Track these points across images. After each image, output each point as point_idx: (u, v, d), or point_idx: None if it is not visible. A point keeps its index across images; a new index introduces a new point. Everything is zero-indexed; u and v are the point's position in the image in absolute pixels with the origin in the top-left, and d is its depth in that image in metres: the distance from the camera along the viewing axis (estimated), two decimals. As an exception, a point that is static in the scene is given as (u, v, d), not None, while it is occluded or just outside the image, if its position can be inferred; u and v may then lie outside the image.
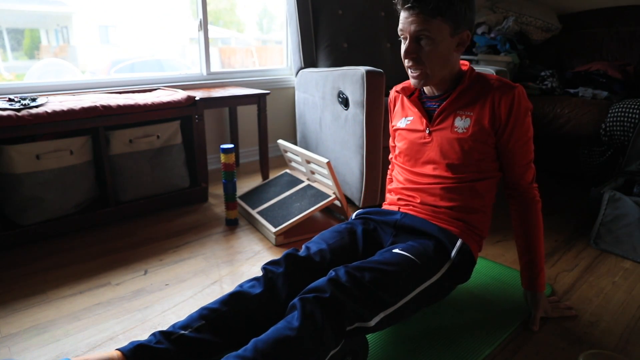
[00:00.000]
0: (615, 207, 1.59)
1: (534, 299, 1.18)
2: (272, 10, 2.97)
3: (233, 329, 0.94)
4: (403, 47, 1.08)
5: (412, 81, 1.12)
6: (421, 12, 1.00)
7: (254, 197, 1.94)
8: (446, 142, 1.12)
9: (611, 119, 2.01)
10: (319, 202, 1.70)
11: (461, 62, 1.15)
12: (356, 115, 1.78)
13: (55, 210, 1.67)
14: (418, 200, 1.18)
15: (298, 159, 1.92)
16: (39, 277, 1.42)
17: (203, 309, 0.95)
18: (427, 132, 1.15)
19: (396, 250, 1.04)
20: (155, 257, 1.56)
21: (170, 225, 1.82)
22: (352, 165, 1.87)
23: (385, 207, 1.27)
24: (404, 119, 1.23)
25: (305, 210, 1.68)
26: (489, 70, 1.86)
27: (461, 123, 1.10)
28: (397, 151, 1.26)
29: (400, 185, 1.23)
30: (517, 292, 1.33)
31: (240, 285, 1.01)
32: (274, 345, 0.80)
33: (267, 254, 1.59)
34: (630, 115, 1.95)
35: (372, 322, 0.92)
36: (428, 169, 1.16)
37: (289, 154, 1.99)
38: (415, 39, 1.04)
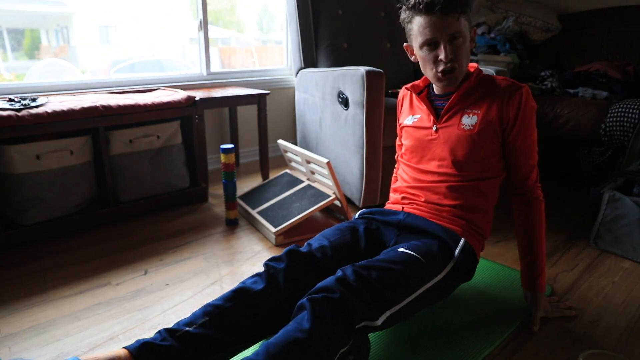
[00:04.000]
0: (615, 207, 1.60)
1: (534, 299, 1.18)
2: (272, 10, 2.97)
3: (237, 325, 0.94)
4: (433, 53, 1.08)
5: (443, 83, 1.12)
6: (453, 12, 1.02)
7: (254, 197, 1.94)
8: (453, 138, 1.13)
9: (611, 119, 2.01)
10: (319, 202, 1.70)
11: (470, 64, 1.17)
12: (356, 115, 1.78)
13: (56, 210, 1.67)
14: (422, 199, 1.18)
15: (298, 159, 1.93)
16: (39, 277, 1.42)
17: (207, 305, 0.95)
18: (434, 129, 1.17)
19: (401, 249, 1.05)
20: (155, 257, 1.56)
21: (170, 225, 1.82)
22: (352, 165, 1.87)
23: (388, 206, 1.28)
24: (411, 117, 1.25)
25: (305, 210, 1.68)
26: (488, 70, 1.86)
27: (468, 120, 1.11)
28: (403, 149, 1.27)
29: (405, 184, 1.24)
30: (517, 292, 1.33)
31: (243, 282, 1.02)
32: (286, 348, 0.80)
33: (267, 254, 1.59)
34: (630, 115, 1.95)
35: (379, 321, 0.93)
36: (433, 166, 1.17)
37: (289, 154, 1.99)
38: (449, 40, 1.05)
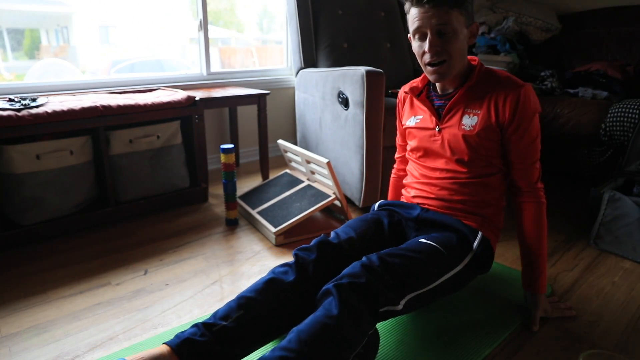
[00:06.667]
0: (615, 207, 1.60)
1: (534, 299, 1.18)
2: (272, 10, 2.97)
3: (270, 317, 0.96)
4: (422, 44, 1.08)
5: (433, 77, 1.12)
6: (443, 4, 1.01)
7: (254, 197, 1.94)
8: (454, 139, 1.14)
9: (611, 119, 2.01)
10: (319, 202, 1.70)
11: (470, 57, 1.17)
12: (356, 115, 1.78)
13: (56, 210, 1.67)
14: (433, 195, 1.20)
15: (298, 159, 1.93)
16: (39, 277, 1.42)
17: (240, 297, 0.96)
18: (437, 129, 1.17)
19: (422, 240, 1.08)
20: (155, 257, 1.56)
21: (170, 225, 1.82)
22: (352, 165, 1.87)
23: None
24: (413, 118, 1.25)
25: (305, 210, 1.68)
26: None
27: (468, 121, 1.12)
28: (409, 148, 1.29)
29: (414, 180, 1.27)
30: (517, 292, 1.33)
31: (273, 271, 1.02)
32: (317, 334, 0.82)
33: (267, 254, 1.59)
34: (629, 115, 1.95)
35: (400, 305, 0.96)
36: (440, 164, 1.19)
37: (289, 154, 1.99)
38: (437, 32, 1.04)
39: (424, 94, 1.23)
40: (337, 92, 1.91)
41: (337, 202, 1.78)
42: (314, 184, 1.85)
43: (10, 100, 1.68)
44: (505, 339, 1.13)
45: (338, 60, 2.28)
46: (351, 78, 1.78)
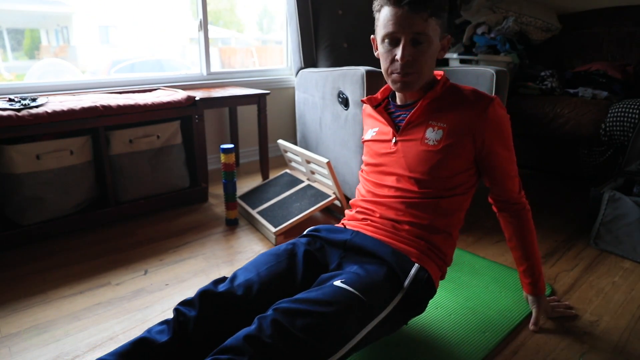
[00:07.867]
0: (615, 207, 1.59)
1: (534, 300, 1.19)
2: (272, 10, 2.97)
3: None
4: (393, 50, 0.98)
5: (397, 86, 1.02)
6: (423, 10, 0.93)
7: (254, 197, 1.94)
8: (413, 153, 1.03)
9: (611, 119, 2.01)
10: (319, 202, 1.70)
11: (435, 72, 1.08)
12: (356, 115, 1.78)
13: (56, 210, 1.67)
14: (377, 215, 1.07)
15: (298, 159, 1.93)
16: (39, 277, 1.42)
17: None
18: (393, 141, 1.07)
19: (337, 284, 0.89)
20: (155, 257, 1.56)
21: (170, 225, 1.82)
22: (352, 165, 1.87)
23: (343, 222, 1.16)
24: (370, 131, 1.16)
25: (305, 210, 1.68)
26: (489, 70, 1.86)
27: (433, 135, 1.02)
28: (363, 165, 1.19)
29: (361, 198, 1.14)
30: (517, 292, 1.33)
31: (149, 330, 0.86)
32: None
33: (267, 254, 1.59)
34: (629, 115, 1.95)
35: None
36: (391, 181, 1.07)
37: (289, 154, 1.99)
38: (412, 40, 0.95)
39: (382, 106, 1.13)
40: (337, 92, 1.91)
41: (337, 202, 1.78)
42: (314, 184, 1.85)
43: (10, 100, 1.68)
44: (505, 339, 1.13)
45: (338, 60, 2.28)
46: (351, 78, 1.78)
